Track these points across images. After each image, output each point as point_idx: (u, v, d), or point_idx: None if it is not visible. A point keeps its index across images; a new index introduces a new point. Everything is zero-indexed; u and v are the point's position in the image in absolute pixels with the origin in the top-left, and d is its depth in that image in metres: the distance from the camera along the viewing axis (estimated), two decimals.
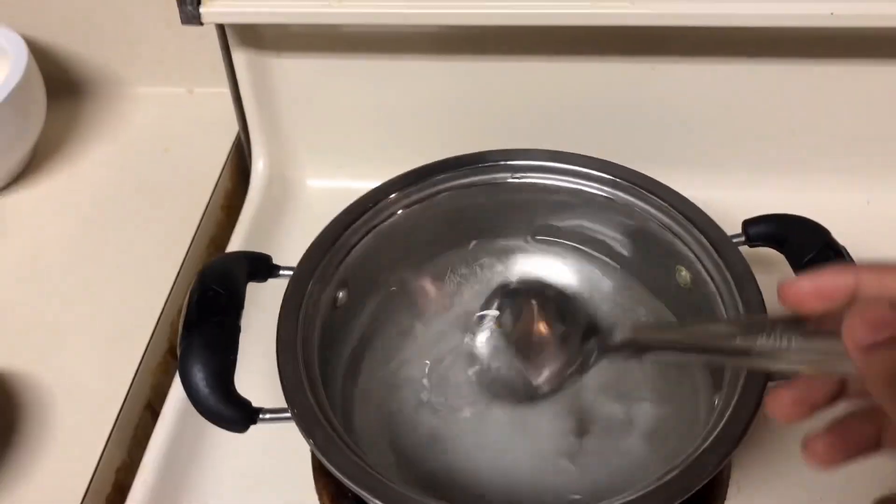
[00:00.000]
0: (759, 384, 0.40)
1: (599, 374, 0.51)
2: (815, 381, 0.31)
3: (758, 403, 0.39)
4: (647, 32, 0.56)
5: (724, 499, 0.48)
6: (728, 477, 0.49)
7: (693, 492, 0.37)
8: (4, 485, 0.50)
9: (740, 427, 0.39)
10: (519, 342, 0.44)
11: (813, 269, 0.33)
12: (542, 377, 0.43)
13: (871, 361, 0.27)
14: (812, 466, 0.31)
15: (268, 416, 0.41)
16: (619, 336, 0.40)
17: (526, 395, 0.44)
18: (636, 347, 0.40)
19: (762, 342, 0.31)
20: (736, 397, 0.40)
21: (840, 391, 0.31)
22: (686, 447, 0.40)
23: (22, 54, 0.67)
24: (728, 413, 0.40)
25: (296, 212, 0.69)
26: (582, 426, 0.49)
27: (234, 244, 0.64)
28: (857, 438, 0.31)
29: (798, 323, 0.30)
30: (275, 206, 0.69)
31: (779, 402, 0.31)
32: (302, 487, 0.50)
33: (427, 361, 0.53)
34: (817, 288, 0.29)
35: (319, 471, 0.50)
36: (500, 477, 0.48)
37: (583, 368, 0.41)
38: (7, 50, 0.67)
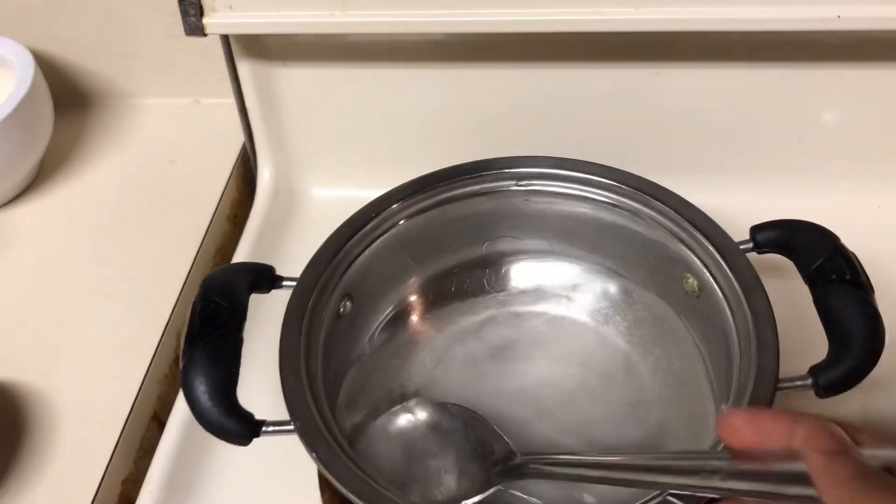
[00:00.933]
0: (768, 392, 0.39)
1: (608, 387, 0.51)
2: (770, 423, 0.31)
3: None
4: (652, 38, 0.56)
5: None
6: None
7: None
8: (11, 495, 0.50)
9: None
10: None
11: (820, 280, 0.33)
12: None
13: (832, 464, 0.28)
14: (720, 437, 0.32)
15: (271, 428, 0.41)
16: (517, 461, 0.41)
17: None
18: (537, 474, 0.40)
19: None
20: (744, 405, 0.40)
21: None
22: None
23: (29, 67, 0.67)
24: None
25: (301, 221, 0.69)
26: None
27: (240, 254, 0.64)
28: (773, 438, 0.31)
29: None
30: (281, 216, 0.68)
31: (730, 423, 0.32)
32: (307, 500, 0.50)
33: (433, 372, 0.53)
34: (755, 426, 0.31)
35: (325, 483, 0.50)
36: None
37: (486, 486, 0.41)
38: (14, 63, 0.68)
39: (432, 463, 0.43)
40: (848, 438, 0.29)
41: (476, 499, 0.41)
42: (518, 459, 0.41)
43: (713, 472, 0.31)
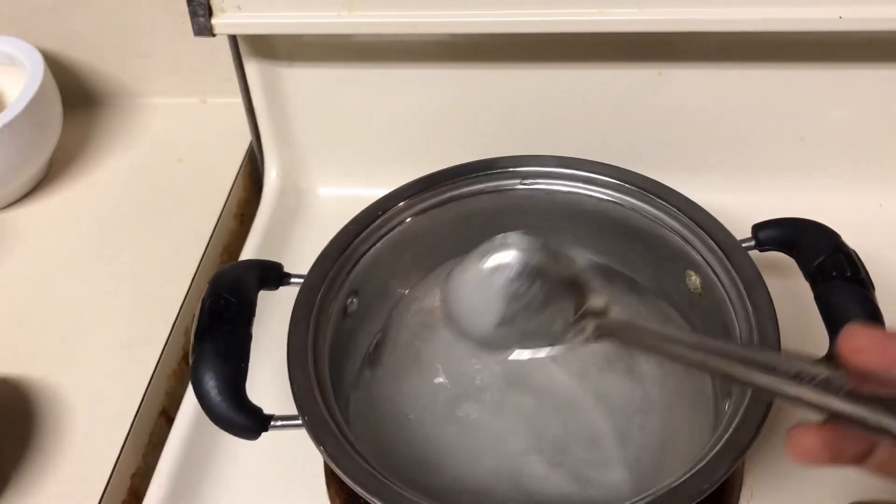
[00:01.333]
0: None
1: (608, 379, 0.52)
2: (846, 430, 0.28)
3: (768, 408, 0.39)
4: (655, 38, 0.56)
5: (737, 503, 0.48)
6: (741, 482, 0.49)
7: (704, 496, 0.37)
8: (21, 491, 0.51)
9: (751, 431, 0.39)
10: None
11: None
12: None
13: None
14: (792, 458, 0.28)
15: (279, 423, 0.41)
16: (615, 317, 0.38)
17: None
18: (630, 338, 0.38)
19: (796, 388, 0.28)
20: (746, 402, 0.40)
21: (868, 451, 0.28)
22: (696, 452, 0.39)
23: (38, 67, 0.68)
24: (738, 417, 0.40)
25: (308, 220, 0.69)
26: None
27: (247, 252, 0.65)
28: (850, 447, 0.28)
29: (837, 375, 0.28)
30: (287, 215, 0.69)
31: (801, 441, 0.28)
32: (314, 493, 0.50)
33: (439, 367, 0.53)
34: (882, 347, 0.28)
35: (331, 476, 0.50)
36: (512, 485, 0.48)
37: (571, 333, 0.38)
38: (24, 63, 0.68)
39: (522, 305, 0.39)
40: None
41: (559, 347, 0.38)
42: (615, 318, 0.38)
43: (828, 387, 0.27)
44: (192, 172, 0.72)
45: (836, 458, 0.28)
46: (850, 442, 0.28)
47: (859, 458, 0.28)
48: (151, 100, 0.78)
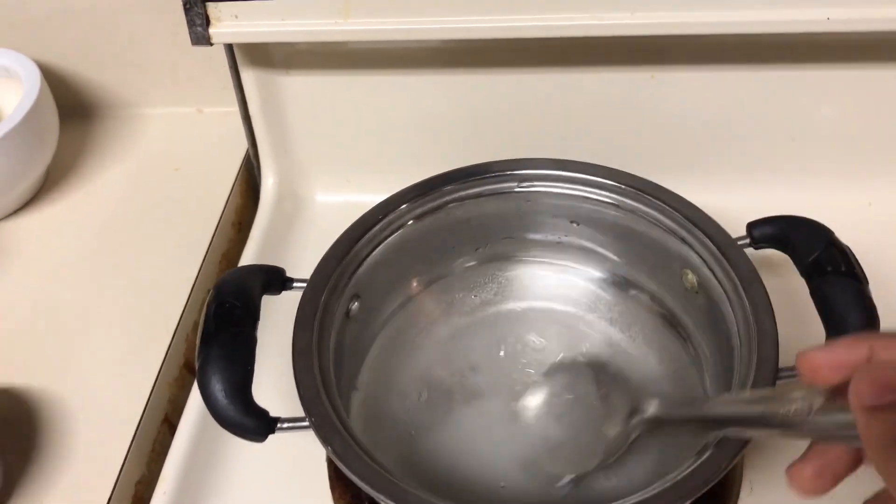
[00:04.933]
0: (769, 381, 0.41)
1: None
2: (832, 449, 0.30)
3: None
4: (647, 42, 0.57)
5: (737, 498, 0.49)
6: (741, 476, 0.49)
7: (705, 490, 0.37)
8: (26, 501, 0.51)
9: None
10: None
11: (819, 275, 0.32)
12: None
13: (872, 423, 0.26)
14: (799, 496, 0.31)
15: (286, 424, 0.42)
16: (652, 412, 0.41)
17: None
18: (666, 424, 0.41)
19: (783, 412, 0.31)
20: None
21: (860, 458, 0.30)
22: (696, 446, 0.40)
23: (34, 79, 0.68)
24: None
25: (306, 227, 0.69)
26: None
27: (246, 259, 0.65)
28: (842, 459, 0.30)
29: (815, 393, 0.30)
30: (285, 222, 0.69)
31: (800, 476, 0.31)
32: (319, 496, 0.50)
33: (442, 369, 0.54)
34: (832, 360, 0.30)
35: (336, 479, 0.51)
36: (518, 483, 0.48)
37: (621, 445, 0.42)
38: (20, 74, 0.68)
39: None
40: None
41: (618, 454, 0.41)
42: (655, 410, 0.41)
43: (792, 420, 0.30)
44: (189, 181, 0.72)
45: (836, 477, 0.30)
46: (838, 456, 0.30)
47: (855, 465, 0.30)
48: (147, 110, 0.78)
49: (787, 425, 0.31)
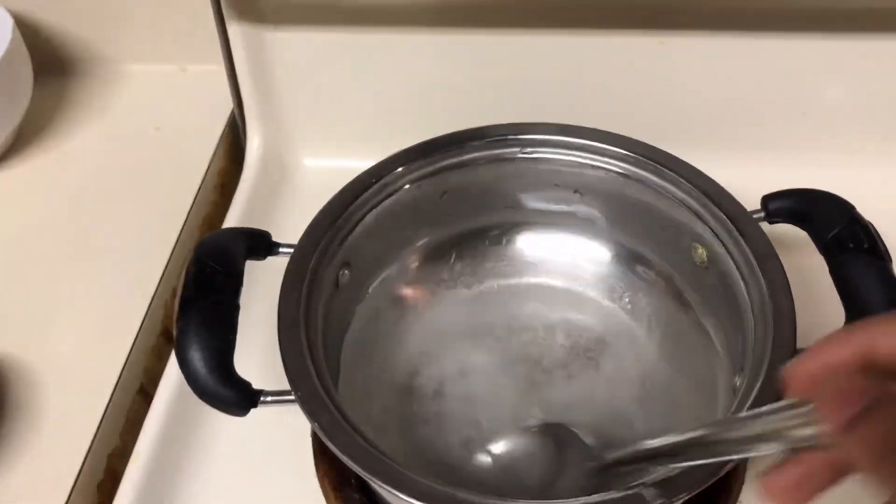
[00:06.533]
0: (787, 362, 0.38)
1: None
2: (814, 458, 0.27)
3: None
4: (657, 4, 0.54)
5: (741, 490, 0.47)
6: (745, 467, 0.47)
7: (712, 482, 0.35)
8: None
9: None
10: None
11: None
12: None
13: (852, 442, 0.24)
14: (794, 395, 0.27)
15: (269, 398, 0.40)
16: (608, 458, 0.40)
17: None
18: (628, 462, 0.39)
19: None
20: (760, 380, 0.38)
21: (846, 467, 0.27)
22: None
23: (6, 29, 0.65)
24: (752, 397, 0.38)
25: (292, 192, 0.67)
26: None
27: (230, 223, 0.62)
28: (825, 467, 0.27)
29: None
30: (270, 186, 0.67)
31: (778, 485, 0.28)
32: (302, 474, 0.48)
33: (432, 344, 0.52)
34: (825, 365, 0.27)
35: (321, 456, 0.48)
36: (508, 460, 0.46)
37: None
38: None
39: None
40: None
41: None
42: (608, 458, 0.40)
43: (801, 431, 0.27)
44: (171, 142, 0.70)
45: (818, 488, 0.27)
46: (822, 465, 0.27)
47: (841, 474, 0.27)
48: (128, 66, 0.75)
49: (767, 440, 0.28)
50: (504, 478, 0.44)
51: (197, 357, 0.39)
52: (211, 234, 0.47)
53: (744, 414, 0.36)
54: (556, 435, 0.44)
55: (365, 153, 0.53)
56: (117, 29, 0.73)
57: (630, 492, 0.35)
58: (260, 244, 0.46)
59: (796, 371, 0.28)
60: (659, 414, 0.48)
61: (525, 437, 0.45)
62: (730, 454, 0.31)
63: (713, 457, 0.32)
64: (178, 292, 0.42)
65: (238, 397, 0.39)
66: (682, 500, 0.35)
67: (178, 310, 0.41)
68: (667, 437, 0.35)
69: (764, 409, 0.29)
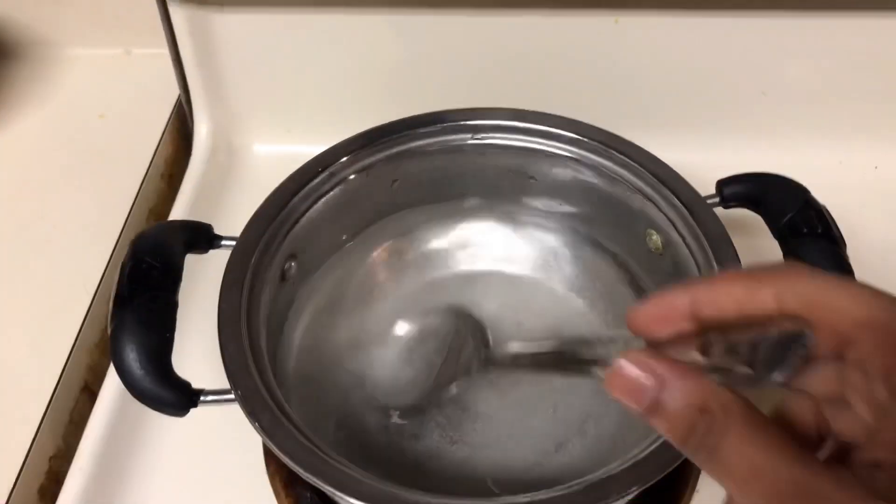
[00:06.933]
0: None
1: None
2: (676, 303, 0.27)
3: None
4: None
5: (696, 481, 0.46)
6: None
7: (668, 470, 0.35)
8: None
9: None
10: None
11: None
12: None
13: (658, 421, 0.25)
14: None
15: (209, 397, 0.38)
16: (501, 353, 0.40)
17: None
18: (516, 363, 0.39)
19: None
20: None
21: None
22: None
23: None
24: None
25: (242, 179, 0.65)
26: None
27: (176, 214, 0.61)
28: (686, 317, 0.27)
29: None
30: (219, 174, 0.65)
31: (642, 315, 0.28)
32: (253, 473, 0.47)
33: (385, 337, 0.51)
34: (659, 313, 0.27)
35: (271, 455, 0.47)
36: (461, 455, 0.46)
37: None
38: None
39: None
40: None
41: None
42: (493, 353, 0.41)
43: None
44: (115, 129, 0.68)
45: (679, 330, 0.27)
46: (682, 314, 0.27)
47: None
48: (70, 50, 0.73)
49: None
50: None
51: (132, 356, 0.38)
52: (148, 227, 0.45)
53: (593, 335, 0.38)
54: (460, 318, 0.45)
55: (317, 138, 0.51)
56: (58, 11, 0.71)
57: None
58: (201, 237, 0.45)
59: (637, 313, 0.28)
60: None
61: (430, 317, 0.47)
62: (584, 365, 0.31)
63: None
64: (113, 289, 0.40)
65: (176, 397, 0.38)
66: (638, 490, 0.35)
67: (111, 308, 0.39)
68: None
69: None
